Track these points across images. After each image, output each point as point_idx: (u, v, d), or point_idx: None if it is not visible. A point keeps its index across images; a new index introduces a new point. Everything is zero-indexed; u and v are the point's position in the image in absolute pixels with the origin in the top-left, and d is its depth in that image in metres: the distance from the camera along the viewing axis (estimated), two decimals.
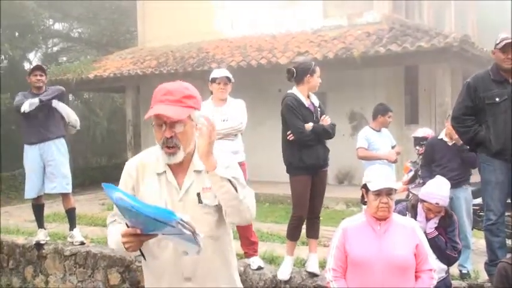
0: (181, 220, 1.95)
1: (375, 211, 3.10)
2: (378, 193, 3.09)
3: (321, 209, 5.31)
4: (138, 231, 2.06)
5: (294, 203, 5.13)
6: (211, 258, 2.38)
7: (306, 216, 5.10)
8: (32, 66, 6.81)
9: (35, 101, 6.19)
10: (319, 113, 5.08)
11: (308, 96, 5.08)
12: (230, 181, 2.21)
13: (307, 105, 4.99)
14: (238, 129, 5.34)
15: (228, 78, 5.36)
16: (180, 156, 2.30)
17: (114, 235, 2.27)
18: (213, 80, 5.36)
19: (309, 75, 4.97)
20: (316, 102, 5.11)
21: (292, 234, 5.17)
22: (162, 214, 1.94)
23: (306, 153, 4.94)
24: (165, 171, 2.37)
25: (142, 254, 2.29)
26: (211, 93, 5.43)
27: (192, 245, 2.05)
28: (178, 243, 2.12)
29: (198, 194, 2.34)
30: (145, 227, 2.04)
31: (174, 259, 2.33)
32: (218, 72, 5.41)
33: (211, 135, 2.16)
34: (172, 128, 2.26)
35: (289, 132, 4.97)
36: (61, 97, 6.55)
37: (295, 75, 5.02)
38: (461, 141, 5.03)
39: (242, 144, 5.48)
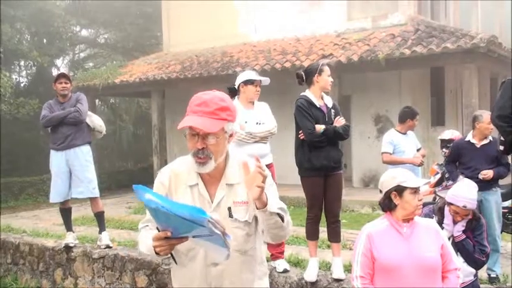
0: (211, 218, 1.96)
1: (413, 210, 3.08)
2: (416, 190, 3.08)
3: (339, 212, 5.30)
4: (169, 234, 2.06)
5: (307, 204, 5.22)
6: (239, 270, 2.41)
7: (320, 214, 5.17)
8: (57, 74, 6.91)
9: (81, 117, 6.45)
10: (332, 114, 5.09)
11: (322, 98, 5.09)
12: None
13: (318, 106, 5.01)
14: (273, 132, 5.40)
15: (260, 81, 5.41)
16: (210, 166, 2.30)
17: (146, 240, 2.28)
18: (249, 82, 5.32)
19: (317, 74, 5.01)
20: (330, 104, 5.13)
21: (310, 234, 5.23)
22: (192, 212, 1.94)
23: (315, 154, 4.97)
24: (197, 184, 2.38)
25: (173, 258, 2.31)
26: (238, 94, 5.42)
27: (221, 249, 2.05)
28: (208, 247, 2.13)
29: (229, 208, 2.36)
30: (176, 229, 2.04)
31: (203, 269, 2.36)
32: (253, 75, 5.40)
33: (262, 179, 2.15)
34: (204, 140, 2.27)
35: (300, 132, 5.02)
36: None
37: (304, 77, 5.06)
38: (501, 144, 4.81)
39: (269, 147, 5.52)
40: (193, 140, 2.29)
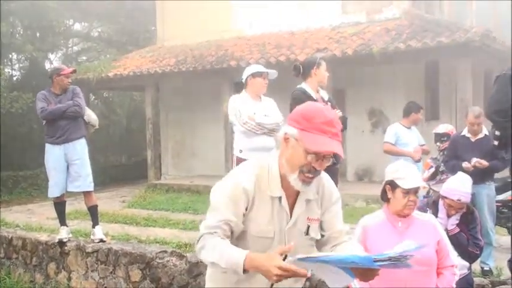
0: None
1: (402, 209, 3.06)
2: (408, 191, 3.05)
3: None
4: (309, 275, 1.95)
5: None
6: (297, 283, 2.40)
7: None
8: (67, 67, 6.83)
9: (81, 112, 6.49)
10: (329, 107, 5.09)
11: (317, 92, 5.11)
12: None
13: (315, 98, 5.01)
14: (281, 125, 5.39)
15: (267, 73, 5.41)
16: (312, 185, 2.25)
17: (227, 253, 2.10)
18: (257, 75, 5.31)
19: (315, 67, 5.04)
20: (326, 97, 5.16)
21: None
22: (363, 261, 1.87)
23: None
24: (280, 196, 2.26)
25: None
26: (245, 88, 5.40)
27: (345, 274, 1.95)
28: (330, 272, 1.99)
29: (309, 227, 2.32)
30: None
31: (267, 284, 2.26)
32: (261, 67, 5.41)
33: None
34: (322, 161, 2.19)
35: None
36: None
37: (301, 70, 5.06)
38: (496, 138, 4.78)
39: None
40: (309, 159, 2.16)
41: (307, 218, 2.31)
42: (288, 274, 1.93)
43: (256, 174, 2.26)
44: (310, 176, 2.18)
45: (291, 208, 2.29)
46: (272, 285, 2.26)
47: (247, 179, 2.24)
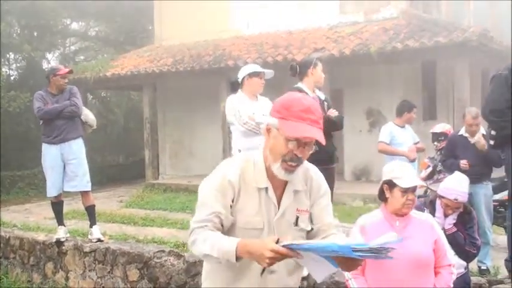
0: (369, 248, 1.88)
1: (400, 208, 3.07)
2: (406, 190, 3.06)
3: None
4: (300, 257, 1.98)
5: None
6: (293, 277, 2.40)
7: None
8: (63, 67, 6.82)
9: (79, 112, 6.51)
10: (326, 107, 5.11)
11: (314, 91, 5.12)
12: None
13: (312, 97, 5.01)
14: None
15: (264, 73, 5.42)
16: (297, 173, 2.26)
17: (218, 243, 2.13)
18: (254, 75, 5.30)
19: (312, 67, 5.04)
20: (322, 97, 5.17)
21: None
22: (341, 249, 1.89)
23: None
24: (267, 187, 2.28)
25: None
26: (241, 87, 5.41)
27: (329, 264, 1.99)
28: (315, 261, 2.02)
29: (297, 218, 2.32)
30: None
31: (260, 276, 2.28)
32: (258, 67, 5.40)
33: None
34: (304, 148, 2.20)
35: None
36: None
37: (298, 70, 5.07)
38: (492, 138, 4.75)
39: None
40: (290, 146, 2.18)
41: (296, 209, 2.32)
42: (280, 257, 1.97)
43: (241, 168, 2.30)
44: (293, 164, 2.20)
45: (279, 199, 2.31)
46: (263, 271, 2.26)
47: (232, 172, 2.28)
